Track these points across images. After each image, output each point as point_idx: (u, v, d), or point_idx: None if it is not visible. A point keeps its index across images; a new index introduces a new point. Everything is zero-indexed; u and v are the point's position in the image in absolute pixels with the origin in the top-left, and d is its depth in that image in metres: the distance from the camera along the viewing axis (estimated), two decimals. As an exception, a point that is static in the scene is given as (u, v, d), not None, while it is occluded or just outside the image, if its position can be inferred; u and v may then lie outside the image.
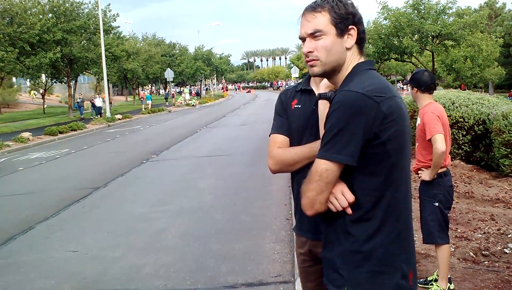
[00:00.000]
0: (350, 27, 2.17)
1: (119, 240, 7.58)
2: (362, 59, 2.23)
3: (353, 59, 2.21)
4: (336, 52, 2.20)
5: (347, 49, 2.20)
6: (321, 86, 2.56)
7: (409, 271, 2.11)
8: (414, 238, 5.81)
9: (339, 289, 2.11)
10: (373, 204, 2.05)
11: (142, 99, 52.92)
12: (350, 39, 2.19)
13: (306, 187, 2.10)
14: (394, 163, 2.04)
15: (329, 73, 2.26)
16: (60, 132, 26.08)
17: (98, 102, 40.00)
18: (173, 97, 60.56)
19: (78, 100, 41.05)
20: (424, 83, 4.83)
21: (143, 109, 46.30)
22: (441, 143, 4.56)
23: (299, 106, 2.73)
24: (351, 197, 2.04)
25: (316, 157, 2.07)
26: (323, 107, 2.45)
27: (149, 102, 50.18)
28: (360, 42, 2.22)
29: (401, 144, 2.06)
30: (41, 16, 36.26)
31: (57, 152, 19.39)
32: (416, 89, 4.87)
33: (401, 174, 2.10)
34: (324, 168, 2.01)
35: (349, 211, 2.05)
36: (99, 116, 37.37)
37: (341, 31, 2.17)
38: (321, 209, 2.09)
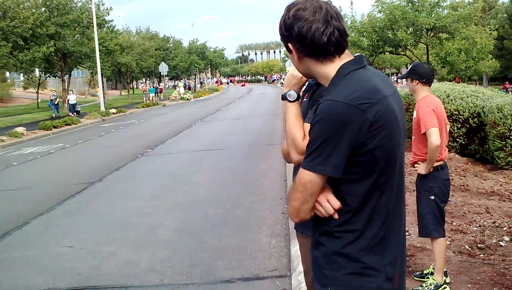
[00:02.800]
0: (288, 44, 2.14)
1: (114, 235, 7.56)
2: (346, 59, 2.11)
3: (321, 66, 2.12)
4: (296, 65, 2.24)
5: (300, 61, 2.17)
6: (284, 86, 2.56)
7: (394, 273, 2.08)
8: (410, 232, 5.77)
9: (324, 288, 2.11)
10: (358, 207, 2.01)
11: (145, 92, 53.51)
12: (294, 54, 2.15)
13: (291, 196, 2.07)
14: (383, 169, 2.00)
15: (312, 78, 2.29)
16: (55, 127, 25.95)
17: (72, 98, 35.53)
18: (161, 92, 58.77)
19: (52, 97, 35.67)
20: (425, 75, 4.83)
21: (146, 101, 47.74)
22: (435, 137, 4.55)
23: (305, 99, 2.76)
24: (337, 204, 2.01)
25: (300, 166, 2.03)
26: (285, 107, 2.46)
27: (152, 94, 51.61)
28: (311, 54, 2.10)
29: (390, 148, 2.01)
30: (34, 10, 36.02)
31: (52, 146, 19.32)
32: (417, 81, 4.84)
33: (390, 178, 2.05)
34: (308, 179, 1.98)
35: (336, 216, 2.03)
36: (74, 114, 33.93)
37: (287, 48, 2.18)
38: (306, 217, 2.07)
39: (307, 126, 2.35)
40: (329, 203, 2.02)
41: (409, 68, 5.01)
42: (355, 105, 1.90)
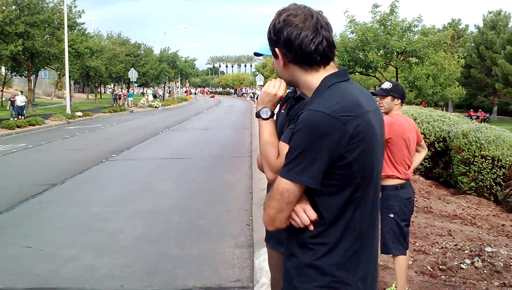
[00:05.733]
0: (275, 48, 2.15)
1: (75, 238, 7.41)
2: (331, 71, 2.12)
3: (305, 74, 2.13)
4: (280, 71, 2.23)
5: (285, 67, 2.17)
6: (257, 104, 2.54)
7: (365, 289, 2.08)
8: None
9: None
10: (333, 221, 2.01)
11: (125, 96, 55.52)
12: (280, 59, 2.16)
13: (267, 204, 2.06)
14: (359, 183, 2.00)
15: (295, 86, 2.29)
16: (18, 126, 25.55)
17: (19, 100, 31.89)
18: (119, 98, 55.85)
19: None
20: (404, 96, 4.99)
21: (126, 106, 50.10)
22: None
23: (283, 111, 2.73)
24: (313, 215, 2.00)
25: (279, 174, 2.02)
26: (259, 125, 2.44)
27: (131, 99, 53.61)
28: (297, 61, 2.11)
29: (368, 163, 2.01)
30: (4, 8, 35.48)
31: (14, 146, 18.96)
32: (399, 100, 4.91)
33: (365, 193, 2.05)
34: (285, 188, 1.97)
35: (311, 227, 2.02)
36: (19, 117, 30.82)
37: (273, 53, 2.18)
38: (282, 226, 2.06)
39: (282, 144, 2.33)
40: (306, 214, 2.01)
41: (390, 87, 4.95)
42: (337, 117, 1.91)
